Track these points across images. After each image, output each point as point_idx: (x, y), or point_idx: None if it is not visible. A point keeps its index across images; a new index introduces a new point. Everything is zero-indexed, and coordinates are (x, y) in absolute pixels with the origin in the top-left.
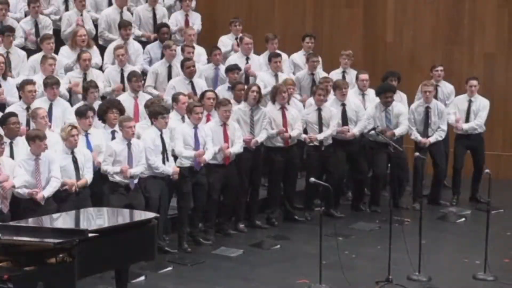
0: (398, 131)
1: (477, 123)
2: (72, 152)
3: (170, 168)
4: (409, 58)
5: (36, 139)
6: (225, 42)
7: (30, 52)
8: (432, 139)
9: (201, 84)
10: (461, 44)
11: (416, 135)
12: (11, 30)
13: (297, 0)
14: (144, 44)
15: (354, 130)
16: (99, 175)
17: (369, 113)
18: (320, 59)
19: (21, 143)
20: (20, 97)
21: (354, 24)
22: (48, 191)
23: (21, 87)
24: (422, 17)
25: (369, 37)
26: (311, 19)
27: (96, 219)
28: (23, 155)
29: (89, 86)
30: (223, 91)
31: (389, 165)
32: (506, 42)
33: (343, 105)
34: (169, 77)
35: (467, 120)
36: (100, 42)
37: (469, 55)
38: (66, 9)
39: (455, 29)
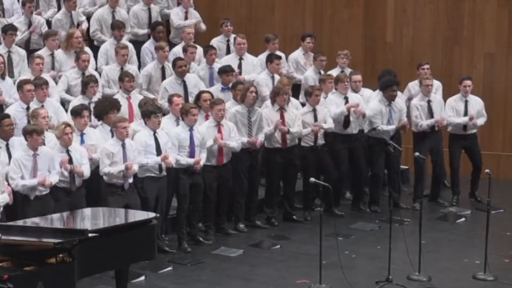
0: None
1: (482, 123)
2: (67, 151)
3: (158, 157)
4: (409, 58)
5: (33, 133)
6: (216, 45)
7: (32, 52)
8: (449, 120)
9: (193, 82)
10: (461, 44)
11: (427, 122)
12: (14, 28)
13: (297, 0)
14: (135, 44)
15: (366, 110)
16: (94, 175)
17: (374, 108)
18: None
19: (16, 144)
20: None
21: (354, 24)
22: (54, 179)
23: (19, 87)
24: (422, 17)
25: (369, 37)
26: (311, 19)
27: (96, 219)
28: (21, 152)
29: (89, 81)
30: (216, 91)
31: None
32: (506, 42)
33: (346, 98)
34: (163, 79)
35: None
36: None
37: (469, 55)
38: (59, 9)
39: (455, 29)
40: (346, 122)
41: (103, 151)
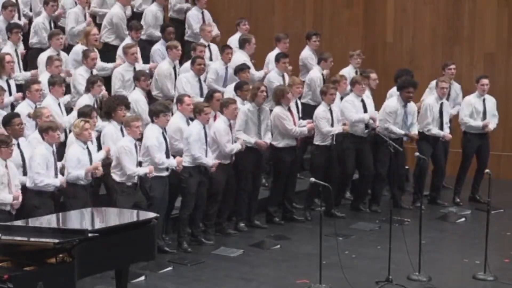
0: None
1: (496, 121)
2: (87, 146)
3: (174, 160)
4: (409, 58)
5: (49, 130)
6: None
7: (39, 51)
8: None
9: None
10: (461, 44)
11: (436, 131)
12: (19, 26)
13: (297, 0)
14: (148, 44)
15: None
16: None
17: (392, 106)
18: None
19: (25, 143)
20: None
21: (354, 24)
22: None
23: (27, 86)
24: (422, 17)
25: (369, 37)
26: (311, 19)
27: (96, 219)
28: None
29: (96, 79)
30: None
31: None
32: (506, 42)
33: (363, 101)
34: (176, 77)
35: (483, 119)
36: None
37: (469, 55)
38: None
39: (455, 29)
40: (367, 126)
41: (122, 150)
